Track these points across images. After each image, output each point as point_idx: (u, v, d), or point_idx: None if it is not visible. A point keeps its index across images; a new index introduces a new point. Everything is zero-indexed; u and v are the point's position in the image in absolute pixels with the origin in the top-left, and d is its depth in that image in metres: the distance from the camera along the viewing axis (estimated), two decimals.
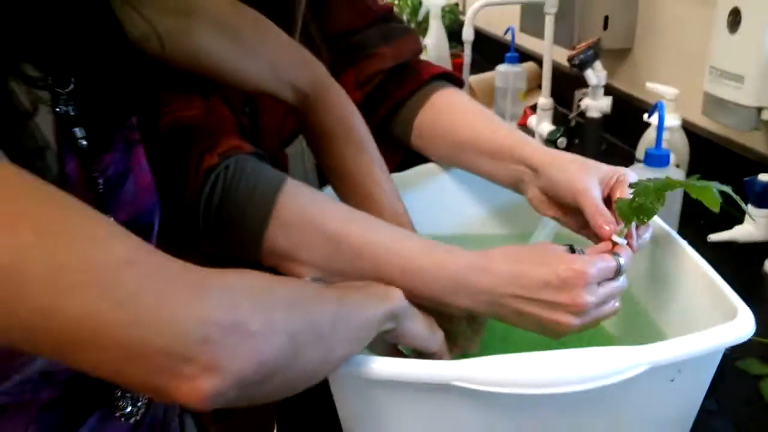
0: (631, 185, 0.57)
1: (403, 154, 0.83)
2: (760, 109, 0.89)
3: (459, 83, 0.80)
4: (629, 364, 0.44)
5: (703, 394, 0.52)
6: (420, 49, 0.80)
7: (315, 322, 0.39)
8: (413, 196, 0.76)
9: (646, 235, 0.58)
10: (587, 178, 0.61)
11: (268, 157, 0.59)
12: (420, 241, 0.54)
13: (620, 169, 0.62)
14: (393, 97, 0.78)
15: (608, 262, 0.52)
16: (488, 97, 1.57)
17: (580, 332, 0.52)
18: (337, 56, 0.79)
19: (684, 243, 0.59)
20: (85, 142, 0.42)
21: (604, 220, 0.57)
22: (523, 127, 1.40)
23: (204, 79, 0.58)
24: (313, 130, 0.65)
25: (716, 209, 0.53)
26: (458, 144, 0.74)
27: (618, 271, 0.52)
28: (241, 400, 0.34)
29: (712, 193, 0.53)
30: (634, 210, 0.56)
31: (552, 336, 0.52)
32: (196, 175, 0.54)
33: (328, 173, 0.67)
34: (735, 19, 0.90)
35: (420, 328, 0.49)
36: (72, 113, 0.42)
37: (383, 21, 0.79)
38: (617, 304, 0.53)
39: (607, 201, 0.60)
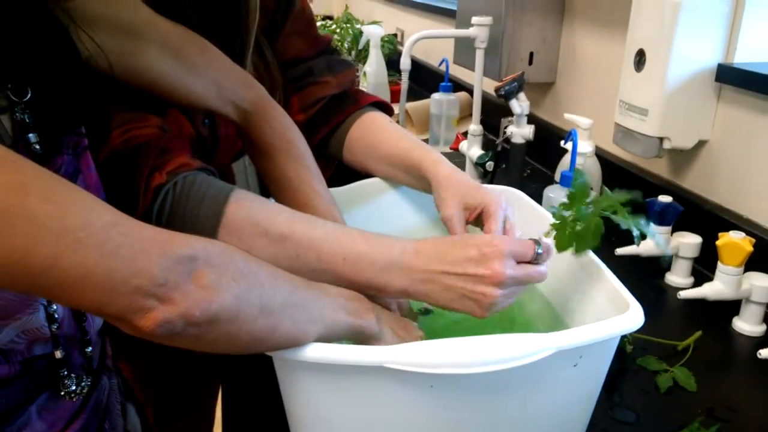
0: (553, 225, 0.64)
1: (339, 169, 0.90)
2: (661, 139, 1.00)
3: (389, 111, 0.90)
4: (538, 348, 0.50)
5: (603, 379, 0.60)
6: (357, 80, 0.89)
7: (263, 294, 0.45)
8: (353, 208, 0.83)
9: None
10: (453, 206, 0.71)
11: (216, 172, 0.63)
12: (359, 232, 0.60)
13: (490, 202, 0.69)
14: (333, 120, 0.86)
15: (526, 247, 0.58)
16: (424, 123, 1.66)
17: (502, 309, 0.58)
18: (287, 80, 0.85)
19: (588, 251, 0.67)
20: (38, 147, 0.47)
21: None
22: (456, 151, 1.49)
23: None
24: (255, 144, 0.71)
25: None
26: (380, 158, 0.83)
27: (535, 258, 0.59)
28: (187, 336, 0.42)
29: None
30: (573, 239, 0.63)
31: (478, 311, 0.57)
32: (145, 193, 0.57)
33: (270, 184, 0.72)
34: (640, 59, 1.01)
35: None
36: (27, 120, 0.46)
37: (328, 52, 0.88)
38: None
39: (474, 221, 0.71)
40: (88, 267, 0.37)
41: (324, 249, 0.58)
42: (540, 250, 0.59)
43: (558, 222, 0.64)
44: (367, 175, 0.88)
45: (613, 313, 0.57)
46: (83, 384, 0.52)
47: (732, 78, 0.95)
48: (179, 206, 0.57)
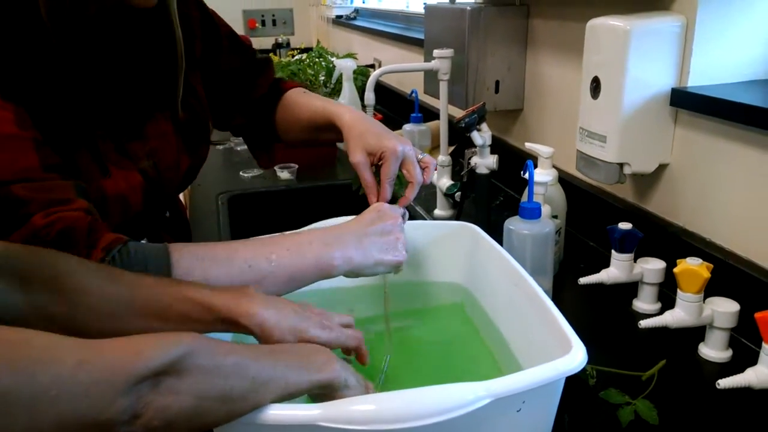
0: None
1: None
2: (621, 165, 1.00)
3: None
4: (474, 398, 0.50)
5: (552, 418, 0.59)
6: (274, 71, 1.00)
7: (225, 386, 0.47)
8: None
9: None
10: (358, 152, 0.79)
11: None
12: (303, 232, 0.70)
13: (386, 148, 0.79)
14: (269, 114, 0.98)
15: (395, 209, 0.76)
16: None
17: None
18: (228, 93, 0.95)
19: (536, 286, 0.67)
20: None
21: (372, 193, 0.79)
22: None
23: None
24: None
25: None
26: (302, 127, 0.94)
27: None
28: None
29: None
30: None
31: (400, 256, 0.72)
32: None
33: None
34: (596, 86, 1.01)
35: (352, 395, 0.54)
36: None
37: (252, 55, 0.98)
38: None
39: (378, 169, 0.80)
40: (61, 418, 0.39)
41: (267, 248, 0.65)
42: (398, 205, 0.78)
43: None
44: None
45: (559, 353, 0.56)
46: None
47: (686, 102, 0.95)
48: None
